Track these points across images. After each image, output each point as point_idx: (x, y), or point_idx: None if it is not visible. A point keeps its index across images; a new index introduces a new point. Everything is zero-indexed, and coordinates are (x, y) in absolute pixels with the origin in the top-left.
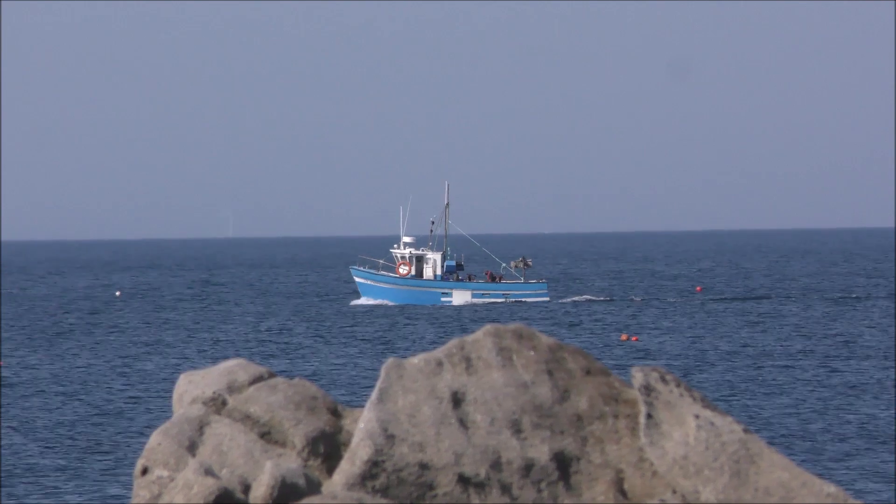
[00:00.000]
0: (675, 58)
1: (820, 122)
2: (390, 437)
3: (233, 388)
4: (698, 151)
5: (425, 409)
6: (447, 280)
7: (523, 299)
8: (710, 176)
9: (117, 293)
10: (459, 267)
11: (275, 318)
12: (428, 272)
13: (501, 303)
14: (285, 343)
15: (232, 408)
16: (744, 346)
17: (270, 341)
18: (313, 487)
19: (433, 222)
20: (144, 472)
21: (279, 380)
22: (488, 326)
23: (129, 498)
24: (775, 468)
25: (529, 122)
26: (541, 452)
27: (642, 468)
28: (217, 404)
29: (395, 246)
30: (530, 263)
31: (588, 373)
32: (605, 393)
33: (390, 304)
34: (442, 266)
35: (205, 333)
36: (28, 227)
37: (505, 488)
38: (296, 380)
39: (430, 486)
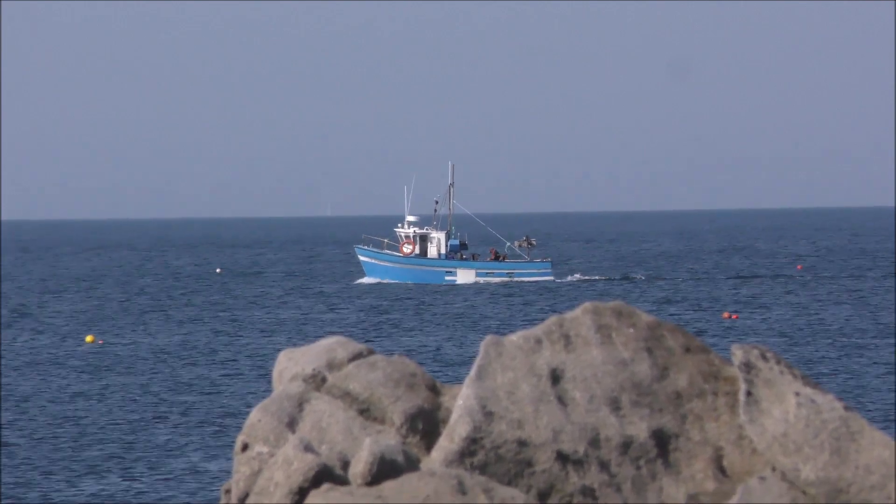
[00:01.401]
0: (676, 53)
1: (820, 120)
2: (489, 415)
3: (332, 365)
4: (698, 136)
5: (524, 387)
6: (451, 259)
7: (527, 278)
8: (711, 158)
9: (218, 270)
10: (463, 246)
11: (371, 294)
12: (432, 251)
13: (506, 281)
14: (382, 320)
15: (331, 385)
16: (846, 324)
17: (371, 319)
18: (412, 464)
19: (437, 202)
20: (245, 448)
21: (378, 357)
22: (587, 304)
23: (230, 474)
24: (876, 446)
25: (536, 102)
26: (640, 430)
27: (742, 446)
28: (316, 381)
29: (400, 225)
30: (534, 242)
31: (687, 350)
32: (705, 370)
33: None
34: (446, 245)
35: (304, 310)
36: (127, 206)
37: (603, 465)
38: (395, 357)
39: (529, 464)
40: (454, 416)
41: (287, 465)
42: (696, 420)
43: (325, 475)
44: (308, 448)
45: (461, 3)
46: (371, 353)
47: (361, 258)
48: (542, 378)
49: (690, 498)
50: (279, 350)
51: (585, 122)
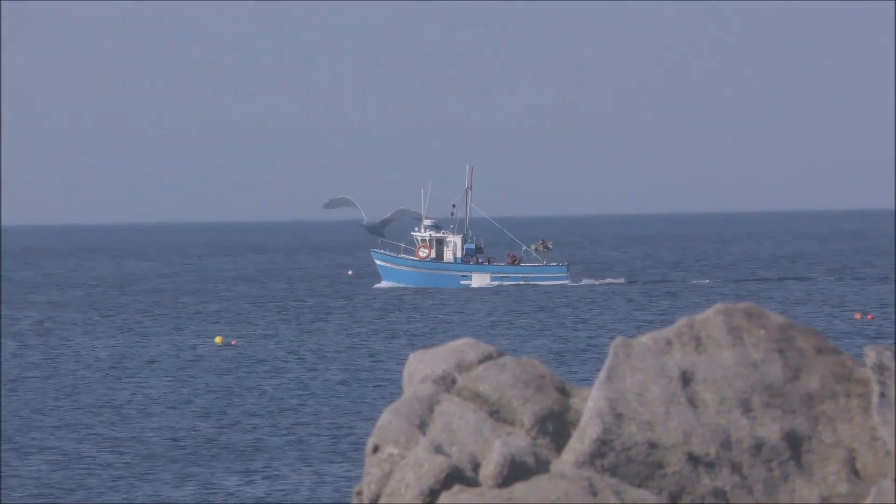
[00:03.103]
0: (678, 53)
1: (820, 120)
2: (619, 416)
3: (462, 367)
4: (705, 140)
5: (654, 388)
6: (467, 263)
7: (543, 282)
8: (716, 161)
9: (349, 272)
10: (479, 250)
11: (502, 296)
12: (448, 255)
13: (521, 285)
14: (510, 322)
15: (461, 386)
16: None
17: (496, 321)
18: (542, 466)
19: (454, 205)
20: (375, 449)
21: (508, 358)
22: (718, 305)
23: (359, 476)
24: None
25: (554, 105)
26: (771, 431)
27: (875, 447)
28: (447, 383)
29: (417, 229)
30: (550, 246)
31: (819, 351)
32: (837, 372)
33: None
34: (462, 249)
35: (432, 313)
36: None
37: (735, 467)
38: (524, 358)
39: (660, 466)
40: (584, 418)
41: (418, 466)
42: (829, 422)
43: (455, 477)
44: (439, 450)
45: (480, 4)
46: (500, 354)
47: (378, 262)
48: (672, 380)
49: (823, 500)
50: (409, 352)
51: (604, 125)
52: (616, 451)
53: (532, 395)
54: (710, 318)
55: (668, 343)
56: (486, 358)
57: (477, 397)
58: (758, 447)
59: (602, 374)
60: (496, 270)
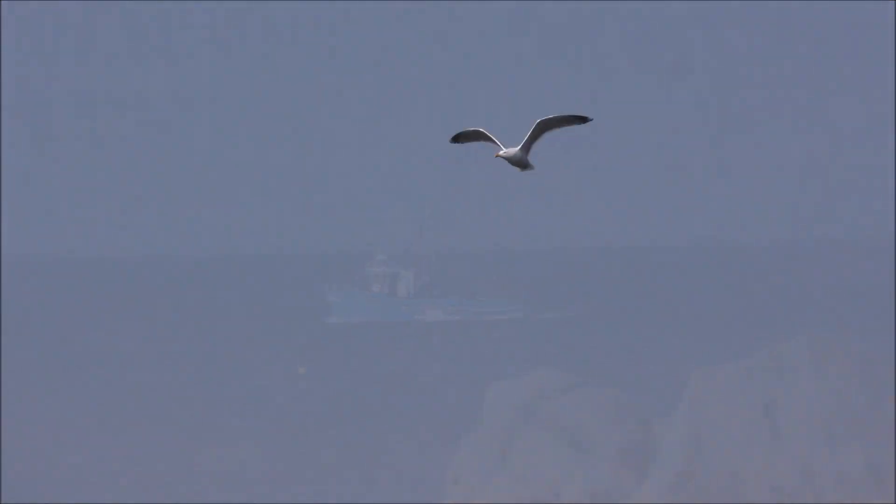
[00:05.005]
0: (674, 60)
1: (821, 121)
2: (701, 447)
3: (543, 397)
4: (695, 157)
5: (736, 419)
6: (420, 297)
7: (497, 316)
8: (708, 181)
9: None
10: (432, 284)
11: (577, 324)
12: (401, 289)
13: (474, 320)
14: (586, 349)
15: (542, 416)
16: None
17: (573, 347)
18: (624, 496)
19: (411, 239)
20: (455, 480)
21: (590, 389)
22: (801, 335)
23: None
24: None
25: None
26: (855, 462)
27: None
28: (527, 413)
29: (370, 263)
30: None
31: None
32: None
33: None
34: (415, 283)
35: (508, 341)
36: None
37: (818, 497)
38: (606, 389)
39: (742, 496)
40: (666, 449)
41: (498, 497)
42: None
43: None
44: (519, 480)
45: (458, 3)
46: (583, 384)
47: (331, 296)
48: (754, 409)
49: None
50: (488, 381)
51: (555, 158)
52: (698, 480)
53: (614, 425)
54: (793, 347)
55: (750, 372)
56: (568, 388)
57: (558, 427)
58: (841, 477)
59: (683, 405)
60: (449, 304)
